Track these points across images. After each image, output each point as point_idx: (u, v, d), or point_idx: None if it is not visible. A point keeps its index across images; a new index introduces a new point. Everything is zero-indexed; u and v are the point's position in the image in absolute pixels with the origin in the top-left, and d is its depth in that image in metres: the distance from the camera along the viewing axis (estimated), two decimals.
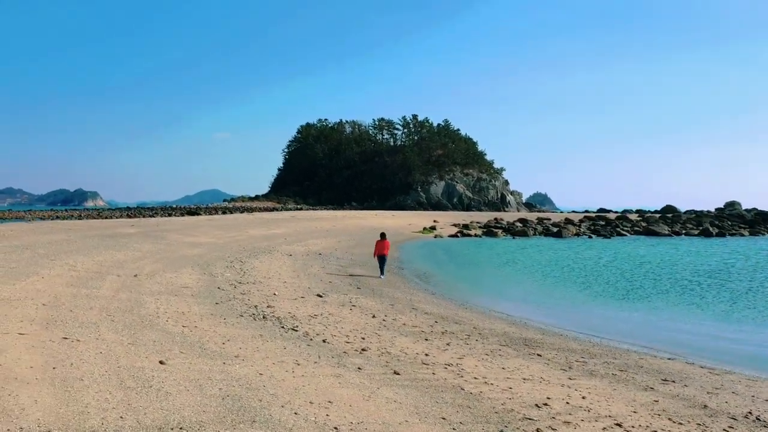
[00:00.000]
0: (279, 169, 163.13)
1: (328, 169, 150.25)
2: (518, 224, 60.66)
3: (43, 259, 18.05)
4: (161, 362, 8.13)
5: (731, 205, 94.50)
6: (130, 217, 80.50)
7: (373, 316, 14.29)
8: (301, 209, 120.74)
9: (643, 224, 64.40)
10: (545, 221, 66.90)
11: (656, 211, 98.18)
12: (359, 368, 9.01)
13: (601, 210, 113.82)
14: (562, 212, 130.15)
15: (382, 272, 23.33)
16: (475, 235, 52.64)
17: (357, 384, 8.08)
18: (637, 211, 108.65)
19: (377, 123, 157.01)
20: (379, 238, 24.34)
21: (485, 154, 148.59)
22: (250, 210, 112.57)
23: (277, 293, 16.52)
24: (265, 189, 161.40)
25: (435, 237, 49.01)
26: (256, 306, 14.11)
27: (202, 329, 10.83)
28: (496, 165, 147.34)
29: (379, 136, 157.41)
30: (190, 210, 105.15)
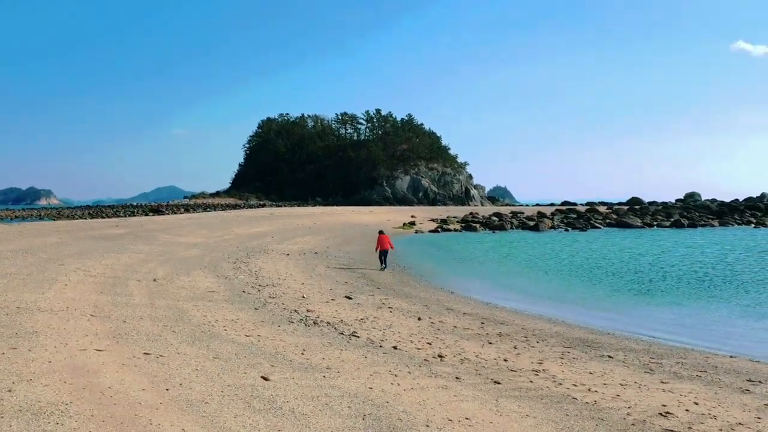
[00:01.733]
0: (240, 165, 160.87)
1: (291, 164, 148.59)
2: (495, 218, 60.79)
3: (51, 263, 17.17)
4: (265, 378, 7.61)
5: (691, 196, 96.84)
6: (93, 216, 78.30)
7: (419, 319, 13.91)
8: (264, 205, 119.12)
9: (614, 216, 65.22)
10: (519, 215, 67.25)
11: (622, 204, 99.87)
12: (457, 378, 8.63)
13: (566, 203, 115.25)
14: (523, 205, 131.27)
15: (385, 264, 24.67)
16: (455, 230, 52.46)
17: (473, 396, 7.70)
18: (601, 203, 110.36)
19: (340, 117, 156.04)
20: (378, 234, 25.68)
21: (449, 149, 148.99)
22: (213, 207, 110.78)
23: (305, 296, 16.01)
24: (224, 185, 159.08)
25: (416, 232, 48.73)
26: (296, 311, 13.59)
27: (268, 338, 10.31)
28: (460, 159, 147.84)
29: (343, 131, 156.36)
30: (153, 208, 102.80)
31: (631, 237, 45.85)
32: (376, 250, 25.12)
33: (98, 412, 5.77)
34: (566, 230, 54.52)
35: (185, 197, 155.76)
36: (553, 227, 55.60)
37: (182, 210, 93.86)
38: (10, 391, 6.16)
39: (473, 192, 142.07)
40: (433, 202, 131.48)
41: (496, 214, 65.93)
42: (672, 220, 61.35)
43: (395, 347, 10.58)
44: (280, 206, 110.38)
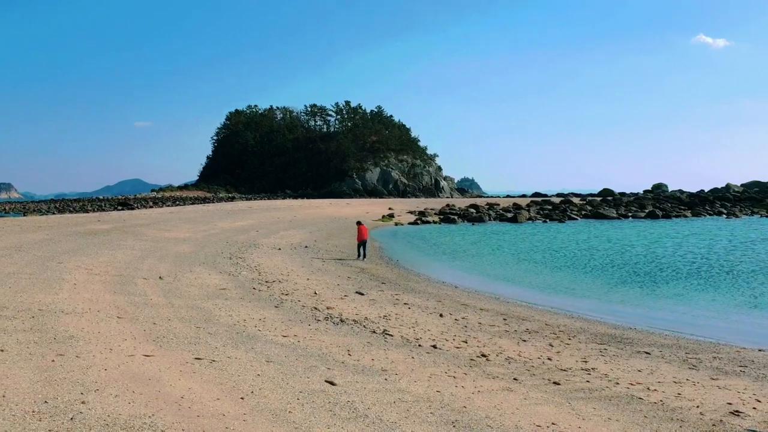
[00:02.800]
0: (208, 158, 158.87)
1: (260, 156, 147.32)
2: (472, 211, 60.82)
3: (49, 261, 16.53)
4: (331, 383, 7.32)
5: (659, 186, 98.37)
6: (60, 211, 76.39)
7: (440, 315, 13.72)
8: (233, 198, 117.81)
9: (590, 208, 65.80)
10: (495, 207, 67.43)
11: (594, 195, 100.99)
12: (515, 379, 8.44)
13: (537, 194, 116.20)
14: (493, 197, 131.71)
15: (364, 255, 25.54)
16: (434, 222, 52.29)
17: (544, 399, 7.51)
18: (572, 195, 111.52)
19: (309, 109, 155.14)
20: (357, 226, 26.73)
21: (418, 141, 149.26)
22: (182, 200, 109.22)
23: (317, 293, 15.69)
24: (190, 178, 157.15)
25: (396, 224, 48.44)
26: (316, 308, 13.28)
27: (306, 338, 10.00)
28: (429, 151, 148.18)
29: (312, 123, 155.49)
30: (121, 202, 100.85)
31: (612, 228, 46.28)
32: (358, 240, 25.95)
33: (188, 425, 5.42)
34: (544, 222, 54.81)
35: (152, 190, 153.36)
36: (530, 219, 55.77)
37: (150, 203, 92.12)
38: (84, 402, 5.77)
39: (443, 184, 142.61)
40: (403, 194, 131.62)
41: (473, 206, 66.00)
42: (647, 211, 62.15)
43: (434, 346, 10.37)
44: (250, 199, 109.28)
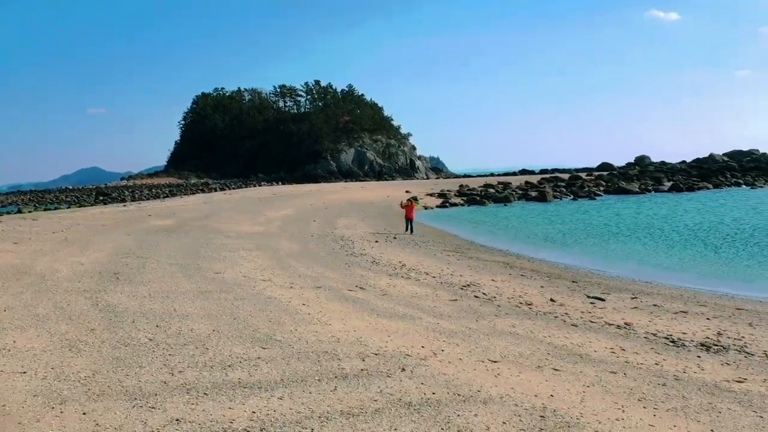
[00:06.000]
0: (176, 143, 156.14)
1: (230, 140, 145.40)
2: (492, 191, 61.21)
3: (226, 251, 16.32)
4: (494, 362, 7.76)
5: (642, 159, 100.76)
6: (39, 204, 74.61)
7: (542, 287, 14.40)
8: (207, 184, 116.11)
9: (607, 184, 66.67)
10: (509, 185, 67.78)
11: (591, 169, 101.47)
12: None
13: (524, 171, 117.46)
14: (468, 176, 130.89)
15: (412, 230, 29.06)
16: (461, 204, 52.07)
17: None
18: (555, 170, 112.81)
19: (278, 90, 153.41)
20: (406, 205, 30.52)
21: (392, 120, 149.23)
22: (157, 188, 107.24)
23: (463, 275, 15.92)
24: (151, 164, 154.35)
25: (425, 208, 48.46)
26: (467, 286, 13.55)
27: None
28: (403, 131, 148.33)
29: (282, 104, 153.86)
30: (101, 191, 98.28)
31: (652, 203, 47.49)
32: (407, 219, 29.67)
33: None
34: (574, 199, 54.84)
35: (122, 179, 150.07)
36: (555, 197, 55.97)
37: (128, 193, 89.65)
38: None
39: (418, 164, 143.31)
40: (379, 175, 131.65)
41: (490, 185, 66.80)
42: (669, 184, 63.59)
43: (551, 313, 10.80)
44: (226, 186, 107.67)
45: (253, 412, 5.68)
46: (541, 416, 5.87)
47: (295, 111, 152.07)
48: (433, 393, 6.39)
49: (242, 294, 11.73)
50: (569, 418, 5.85)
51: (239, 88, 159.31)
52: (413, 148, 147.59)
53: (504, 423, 5.66)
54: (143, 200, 60.63)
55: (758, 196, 50.70)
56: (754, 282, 17.74)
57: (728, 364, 8.56)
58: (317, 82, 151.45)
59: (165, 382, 6.40)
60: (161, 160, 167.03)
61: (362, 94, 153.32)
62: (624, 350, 9.05)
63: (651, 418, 6.07)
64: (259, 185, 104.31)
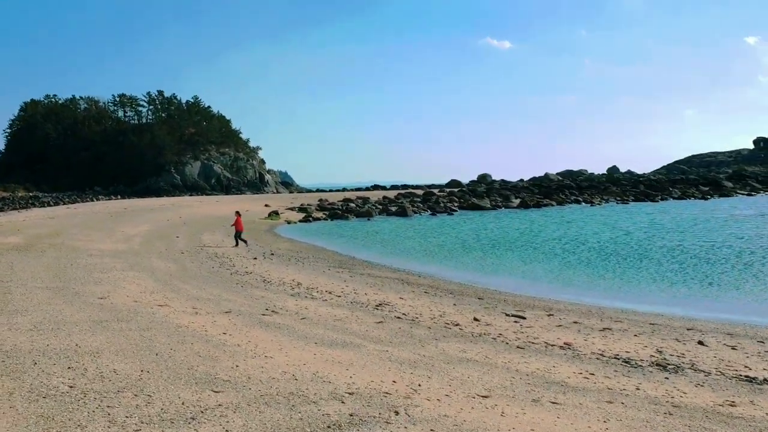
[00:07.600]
0: (1, 152, 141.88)
1: (64, 150, 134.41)
2: (353, 206, 60.25)
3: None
4: (485, 396, 7.24)
5: (484, 177, 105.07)
6: None
7: (454, 305, 14.01)
8: (38, 197, 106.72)
9: (460, 200, 68.12)
10: (368, 200, 66.97)
11: (441, 186, 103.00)
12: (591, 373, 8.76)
13: (376, 186, 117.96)
14: (315, 190, 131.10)
15: (245, 241, 28.62)
16: (323, 219, 50.62)
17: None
18: (416, 187, 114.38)
19: (118, 99, 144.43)
20: (236, 216, 29.12)
21: (240, 133, 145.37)
22: None
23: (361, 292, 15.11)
24: None
25: (287, 222, 46.81)
26: (378, 307, 12.87)
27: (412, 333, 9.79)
28: (252, 144, 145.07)
29: (121, 114, 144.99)
30: None
31: (507, 218, 49.13)
32: (237, 230, 28.54)
33: None
34: (433, 214, 55.34)
35: None
36: (415, 212, 56.41)
37: None
38: None
39: (267, 177, 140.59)
40: (227, 189, 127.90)
41: (349, 200, 66.06)
42: (519, 201, 66.01)
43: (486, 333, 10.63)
44: (60, 200, 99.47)
45: None
46: None
47: (137, 122, 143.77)
48: None
49: (145, 323, 10.08)
50: None
51: (74, 96, 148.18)
52: (263, 161, 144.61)
53: None
54: None
55: (601, 212, 53.97)
56: (645, 294, 18.35)
57: (701, 386, 8.32)
58: (160, 92, 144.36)
59: None
60: None
61: (209, 106, 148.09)
62: (593, 374, 8.57)
63: None
64: (97, 199, 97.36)
